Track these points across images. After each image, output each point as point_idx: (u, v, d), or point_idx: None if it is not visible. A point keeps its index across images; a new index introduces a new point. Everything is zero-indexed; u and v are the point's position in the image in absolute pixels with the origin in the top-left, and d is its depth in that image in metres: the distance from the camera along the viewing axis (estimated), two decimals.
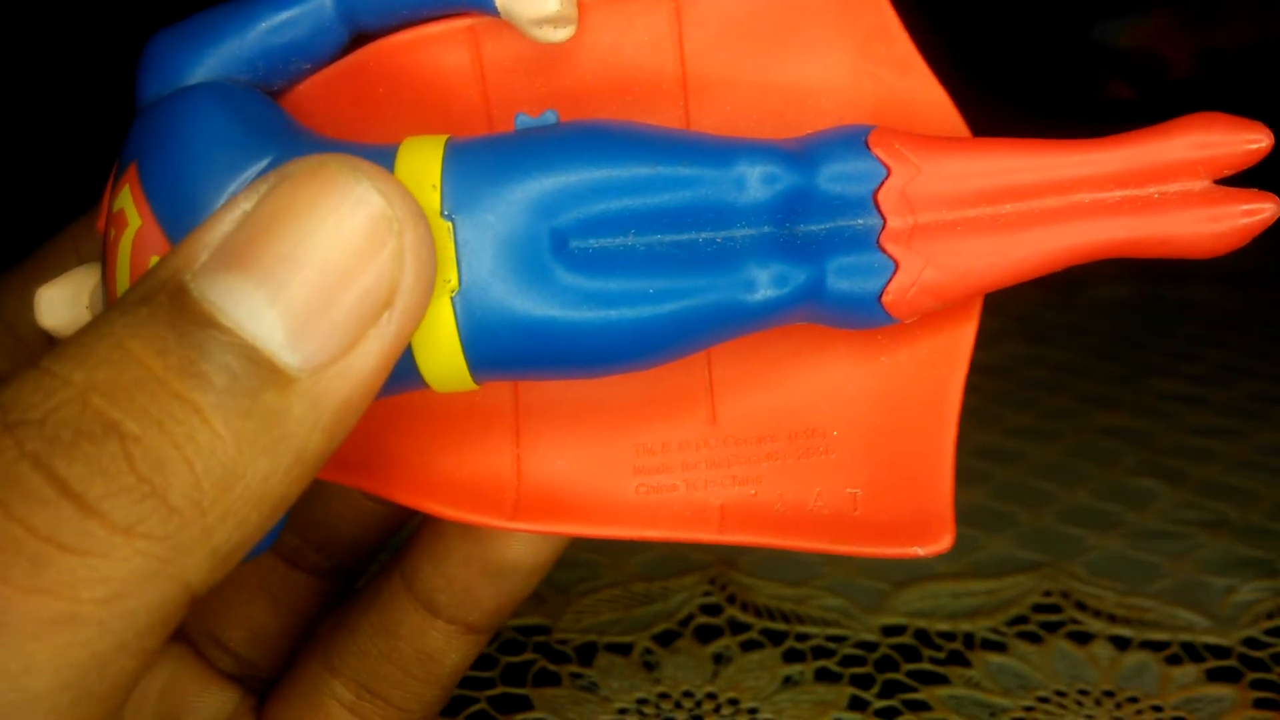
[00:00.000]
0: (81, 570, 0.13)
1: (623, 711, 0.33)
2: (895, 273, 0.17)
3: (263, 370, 0.14)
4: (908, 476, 0.19)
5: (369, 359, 0.14)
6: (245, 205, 0.14)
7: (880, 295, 0.17)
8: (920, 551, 0.18)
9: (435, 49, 0.18)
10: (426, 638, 0.22)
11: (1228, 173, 0.16)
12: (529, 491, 0.19)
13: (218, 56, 0.17)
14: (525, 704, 0.33)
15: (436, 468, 0.19)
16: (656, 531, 0.19)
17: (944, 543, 0.18)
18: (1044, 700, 0.34)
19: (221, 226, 0.14)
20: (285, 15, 0.17)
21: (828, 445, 0.19)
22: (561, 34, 0.17)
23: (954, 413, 0.19)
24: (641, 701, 0.33)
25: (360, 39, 0.18)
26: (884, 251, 0.17)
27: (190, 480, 0.13)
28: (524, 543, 0.21)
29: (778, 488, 0.19)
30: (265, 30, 0.17)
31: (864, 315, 0.17)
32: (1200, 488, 0.44)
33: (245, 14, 0.17)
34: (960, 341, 0.19)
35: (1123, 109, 0.71)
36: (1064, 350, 0.54)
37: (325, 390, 0.14)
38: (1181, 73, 0.71)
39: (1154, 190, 0.16)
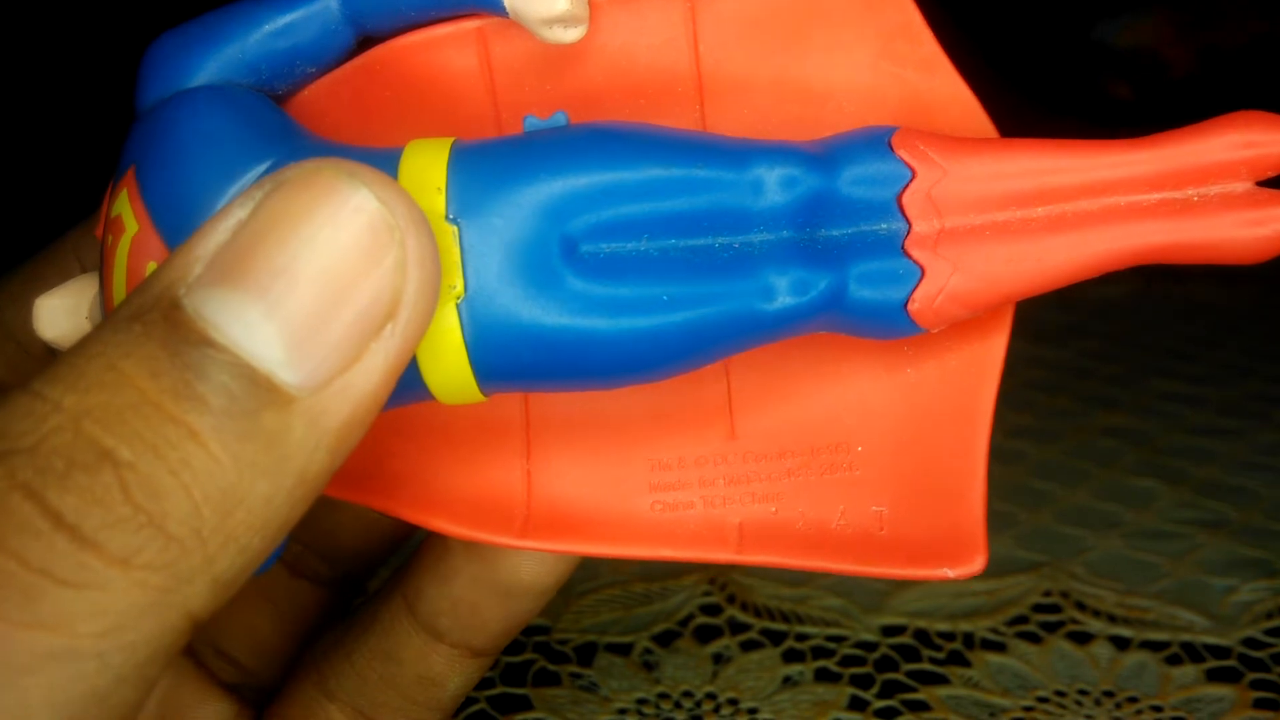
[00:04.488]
0: (78, 604, 0.12)
1: (622, 711, 0.33)
2: (921, 279, 0.16)
3: (261, 390, 0.13)
4: (936, 494, 0.18)
5: (372, 374, 0.14)
6: (240, 213, 0.14)
7: (906, 303, 0.16)
8: (950, 573, 0.18)
9: (443, 51, 0.18)
10: (428, 662, 0.21)
11: (1270, 174, 0.16)
12: (539, 509, 0.19)
13: (220, 60, 0.17)
14: (525, 704, 0.33)
15: (443, 484, 0.19)
16: (672, 551, 0.18)
17: (976, 564, 0.18)
18: (1044, 700, 0.34)
19: (215, 236, 0.14)
20: (289, 18, 0.17)
21: (851, 461, 0.18)
22: (572, 34, 0.17)
23: (985, 427, 0.18)
24: (641, 701, 0.33)
25: (366, 42, 0.18)
26: (909, 257, 0.16)
27: (189, 508, 0.13)
28: (535, 562, 0.20)
29: (799, 505, 0.18)
30: (269, 33, 0.17)
31: (889, 324, 0.16)
32: (1200, 488, 0.44)
33: (248, 17, 0.17)
34: (990, 352, 0.18)
35: (1122, 109, 0.71)
36: (1063, 350, 0.54)
37: (327, 408, 0.13)
38: (1181, 72, 0.71)
39: (1193, 193, 0.16)
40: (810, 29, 0.17)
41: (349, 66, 0.18)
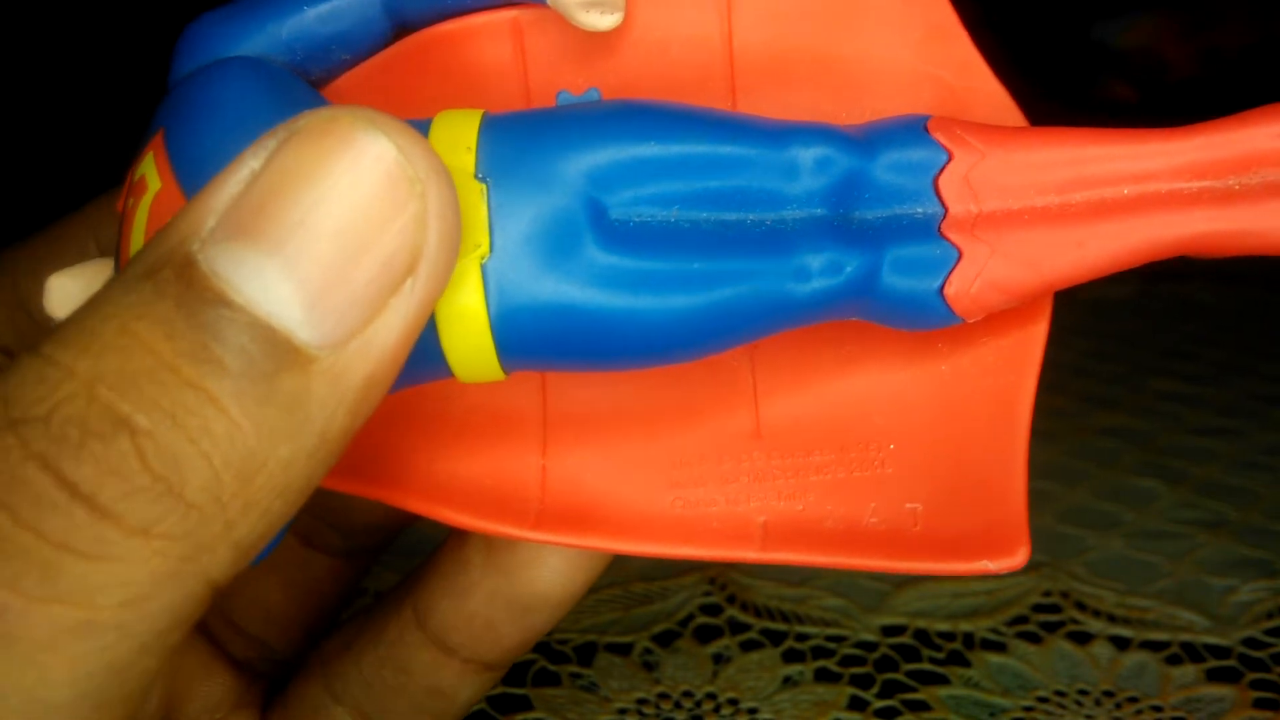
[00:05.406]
0: (97, 576, 0.12)
1: (622, 712, 0.33)
2: (958, 262, 0.16)
3: (280, 350, 0.13)
4: (974, 490, 0.17)
5: (392, 331, 0.13)
6: (253, 163, 0.13)
7: (942, 287, 0.16)
8: (991, 566, 0.17)
9: (477, 41, 0.18)
10: (438, 675, 0.21)
11: None
12: (554, 502, 0.18)
13: (258, 41, 0.17)
14: (525, 704, 0.33)
15: (454, 475, 0.18)
16: (694, 549, 0.18)
17: (1018, 557, 0.17)
18: (1044, 700, 0.34)
19: (229, 188, 0.13)
20: (329, 6, 0.17)
21: (883, 459, 0.18)
22: (608, 21, 0.16)
23: (1025, 419, 0.17)
24: (641, 701, 0.33)
25: (402, 33, 0.18)
26: (946, 239, 0.16)
27: (209, 475, 0.12)
28: (554, 571, 0.19)
29: (828, 503, 0.18)
30: (310, 17, 0.17)
31: (924, 310, 0.16)
32: (1200, 488, 0.44)
33: (288, 2, 0.17)
34: (1029, 343, 0.18)
35: (1123, 109, 0.71)
36: (1063, 350, 0.54)
37: (347, 367, 0.13)
38: (1181, 73, 0.71)
39: (1234, 182, 0.15)
40: (844, 27, 0.17)
41: (383, 55, 0.18)
